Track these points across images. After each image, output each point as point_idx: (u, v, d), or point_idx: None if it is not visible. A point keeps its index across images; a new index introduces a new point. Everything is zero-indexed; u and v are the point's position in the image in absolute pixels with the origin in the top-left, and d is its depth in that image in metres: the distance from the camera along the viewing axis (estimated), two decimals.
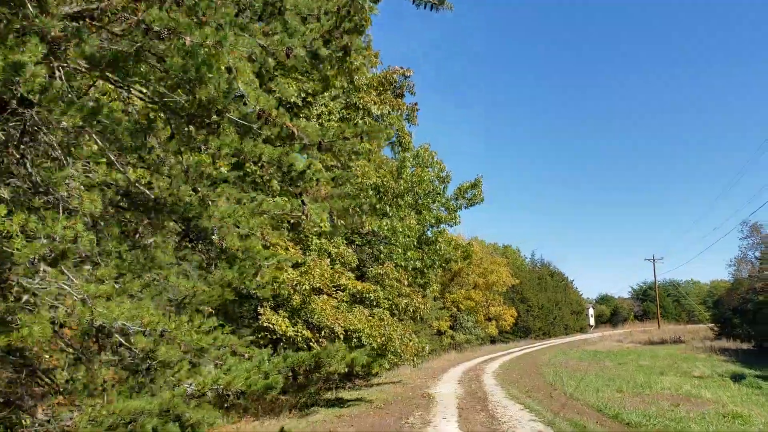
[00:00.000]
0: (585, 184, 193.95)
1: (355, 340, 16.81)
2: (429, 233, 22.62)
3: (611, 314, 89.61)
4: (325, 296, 16.05)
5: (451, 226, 22.63)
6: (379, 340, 17.03)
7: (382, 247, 20.96)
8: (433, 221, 22.02)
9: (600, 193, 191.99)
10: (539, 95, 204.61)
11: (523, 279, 63.36)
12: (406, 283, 19.76)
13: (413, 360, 24.41)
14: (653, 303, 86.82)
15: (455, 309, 53.58)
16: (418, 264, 21.69)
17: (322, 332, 15.83)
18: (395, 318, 19.27)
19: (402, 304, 19.03)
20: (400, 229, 20.64)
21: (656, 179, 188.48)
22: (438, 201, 22.81)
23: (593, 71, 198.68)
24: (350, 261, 17.58)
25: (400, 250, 21.38)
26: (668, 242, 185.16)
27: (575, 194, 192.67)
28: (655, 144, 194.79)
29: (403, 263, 21.20)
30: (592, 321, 78.04)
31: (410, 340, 18.68)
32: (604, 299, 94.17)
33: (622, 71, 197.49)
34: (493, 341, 59.25)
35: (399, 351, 17.75)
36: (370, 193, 19.79)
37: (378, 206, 21.41)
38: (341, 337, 16.09)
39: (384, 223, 20.53)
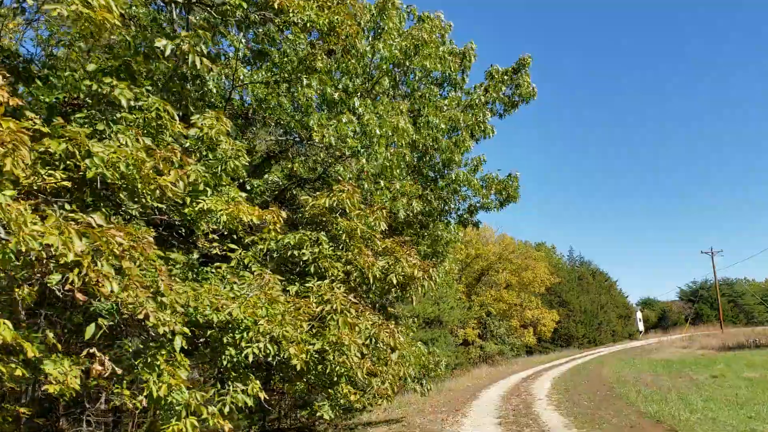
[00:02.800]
0: (616, 179, 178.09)
1: (230, 350, 6.01)
2: (437, 158, 11.73)
3: (658, 319, 76.95)
4: (114, 233, 5.20)
5: (477, 140, 11.87)
6: (299, 352, 6.26)
7: (341, 169, 10.23)
8: (443, 128, 11.16)
9: (633, 190, 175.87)
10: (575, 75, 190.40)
11: (561, 279, 51.95)
12: (383, 225, 8.93)
13: (419, 386, 13.78)
14: (706, 304, 74.17)
15: (484, 314, 42.37)
16: (416, 207, 10.85)
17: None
18: (358, 299, 8.50)
19: (374, 270, 8.23)
20: (379, 133, 9.88)
21: (691, 176, 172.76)
22: (452, 98, 11.98)
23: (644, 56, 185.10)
24: (234, 158, 6.81)
25: (382, 184, 10.62)
26: (717, 239, 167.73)
27: (608, 191, 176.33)
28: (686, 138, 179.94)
29: (387, 202, 10.41)
30: (641, 326, 65.80)
31: (394, 348, 7.87)
32: (647, 303, 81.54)
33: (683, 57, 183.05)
34: (529, 352, 47.86)
35: (360, 376, 6.90)
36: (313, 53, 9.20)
37: (337, 96, 10.83)
38: (176, 340, 5.35)
39: (346, 121, 9.85)
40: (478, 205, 12.62)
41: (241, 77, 11.23)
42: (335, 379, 7.10)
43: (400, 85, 12.70)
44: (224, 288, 6.36)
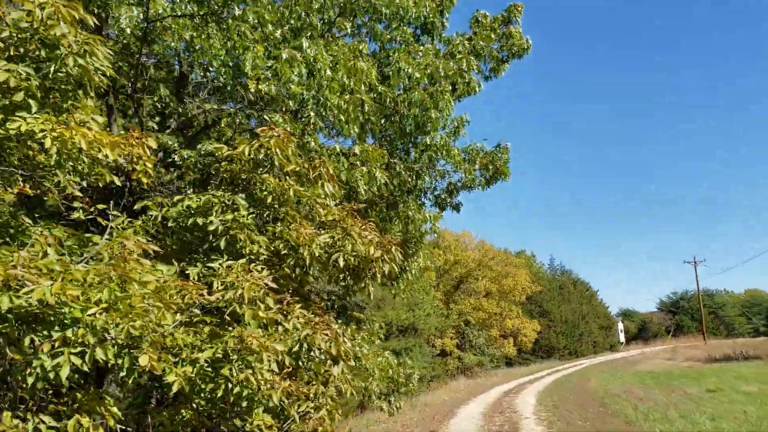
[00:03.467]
0: (594, 188, 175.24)
1: (42, 359, 3.40)
2: (409, 121, 9.25)
3: (638, 330, 75.13)
4: None
5: (460, 96, 9.42)
6: (151, 362, 3.68)
7: (279, 120, 7.73)
8: (418, 77, 8.67)
9: (610, 198, 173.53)
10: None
11: (543, 288, 49.80)
12: (330, 189, 6.42)
13: (386, 404, 11.75)
14: (686, 316, 72.63)
15: (462, 323, 39.94)
16: (381, 178, 8.41)
17: None
18: (296, 292, 5.99)
19: (312, 247, 5.70)
20: (330, 75, 7.46)
21: (669, 183, 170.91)
22: (429, 49, 9.54)
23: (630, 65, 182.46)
24: (78, 54, 4.29)
25: (338, 148, 8.24)
26: (696, 250, 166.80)
27: (583, 199, 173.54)
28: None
29: (343, 172, 7.98)
30: (622, 337, 63.87)
31: (337, 358, 5.26)
32: (626, 314, 79.77)
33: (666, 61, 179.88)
34: (509, 363, 45.54)
35: (276, 400, 4.31)
36: None
37: (279, 34, 8.45)
38: None
39: (287, 57, 7.42)
40: (459, 183, 10.21)
41: (160, 11, 8.76)
42: (244, 404, 4.58)
43: (367, 40, 10.28)
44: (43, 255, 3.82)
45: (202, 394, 4.39)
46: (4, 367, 3.56)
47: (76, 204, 5.23)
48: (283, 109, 8.33)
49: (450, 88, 8.91)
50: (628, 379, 30.53)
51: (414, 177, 9.16)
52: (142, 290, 3.91)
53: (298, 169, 6.17)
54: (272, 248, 5.91)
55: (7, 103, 4.12)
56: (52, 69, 4.17)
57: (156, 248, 4.60)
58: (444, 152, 9.33)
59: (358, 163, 8.31)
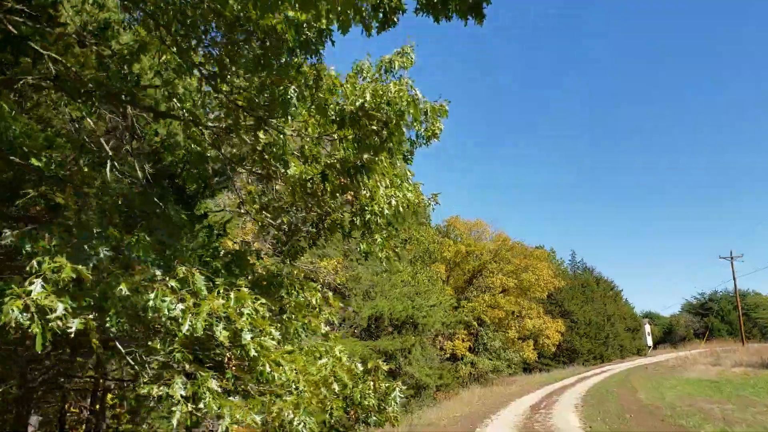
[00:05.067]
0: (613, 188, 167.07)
1: None
2: None
3: (663, 333, 68.24)
4: None
5: None
6: None
7: None
8: None
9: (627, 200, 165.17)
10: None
11: (566, 284, 43.45)
12: None
13: None
14: (717, 318, 65.69)
15: (476, 323, 33.65)
16: None
17: None
18: None
19: None
20: None
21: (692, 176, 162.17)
22: None
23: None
24: None
25: None
26: (722, 249, 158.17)
27: (602, 193, 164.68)
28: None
29: None
30: (649, 341, 57.11)
31: None
32: (649, 316, 72.92)
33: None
34: (527, 369, 39.27)
35: None
36: None
37: None
38: None
39: None
40: None
41: None
42: None
43: None
44: None
45: None
46: None
47: None
48: None
49: None
50: (682, 388, 24.13)
51: None
52: None
53: None
54: None
55: None
56: None
57: None
58: None
59: None
